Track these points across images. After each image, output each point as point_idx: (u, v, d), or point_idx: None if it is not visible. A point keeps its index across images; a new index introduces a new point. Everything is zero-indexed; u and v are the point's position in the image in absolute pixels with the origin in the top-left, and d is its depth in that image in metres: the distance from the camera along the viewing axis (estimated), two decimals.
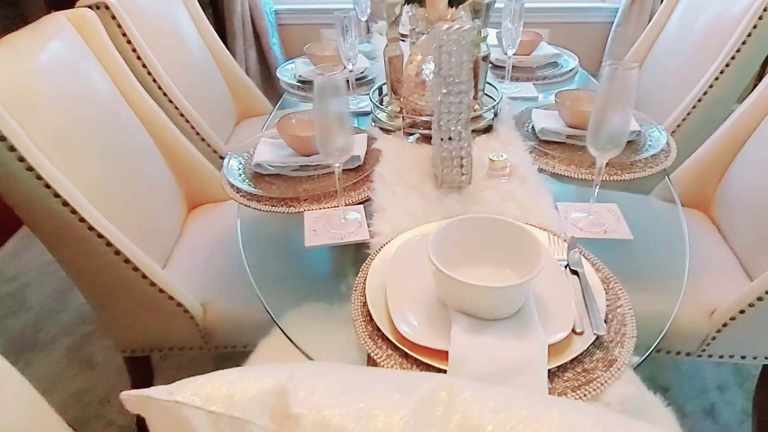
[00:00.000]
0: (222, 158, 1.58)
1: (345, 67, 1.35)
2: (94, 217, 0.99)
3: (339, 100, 0.80)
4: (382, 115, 1.24)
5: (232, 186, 1.05)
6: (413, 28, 1.13)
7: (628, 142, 1.13)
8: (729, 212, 1.27)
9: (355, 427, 0.35)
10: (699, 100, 1.47)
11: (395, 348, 0.68)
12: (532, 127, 1.20)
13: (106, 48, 1.30)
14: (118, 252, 1.02)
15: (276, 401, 0.37)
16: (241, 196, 1.02)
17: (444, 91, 0.91)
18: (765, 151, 1.19)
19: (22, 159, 0.90)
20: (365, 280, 0.78)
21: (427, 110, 1.12)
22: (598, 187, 0.91)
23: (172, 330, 1.16)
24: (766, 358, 1.10)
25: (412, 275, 0.76)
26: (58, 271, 1.64)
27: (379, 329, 0.70)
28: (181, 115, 1.53)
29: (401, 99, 1.16)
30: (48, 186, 0.93)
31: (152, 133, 1.37)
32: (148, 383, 1.12)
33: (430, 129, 1.13)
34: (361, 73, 1.55)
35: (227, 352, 1.21)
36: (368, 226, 0.93)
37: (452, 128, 0.94)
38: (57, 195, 0.94)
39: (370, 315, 0.72)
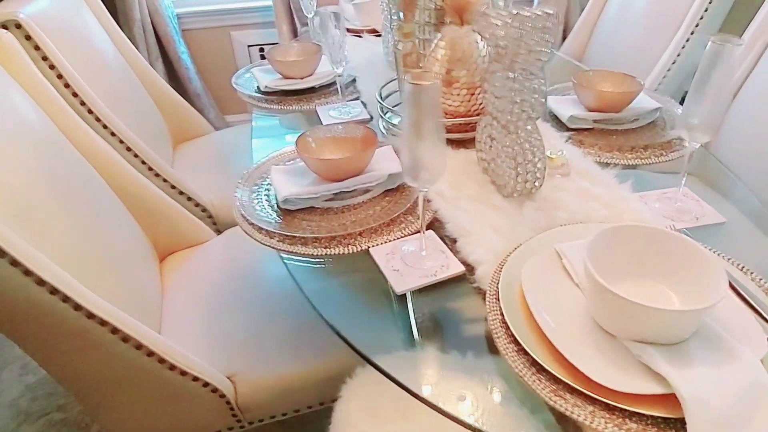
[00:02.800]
0: (190, 199, 1.34)
1: (335, 72, 1.18)
2: (90, 300, 0.75)
3: (436, 113, 0.65)
4: (395, 122, 1.09)
5: (263, 230, 0.85)
6: (433, 22, 1.00)
7: (651, 122, 1.11)
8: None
9: None
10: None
11: (579, 394, 0.56)
12: (553, 116, 1.13)
13: (31, 75, 1.01)
14: (126, 338, 0.79)
15: None
16: (280, 241, 0.83)
17: (518, 87, 0.79)
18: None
19: None
20: (503, 320, 0.65)
21: (458, 111, 1.00)
22: (685, 173, 0.85)
23: (197, 416, 0.94)
24: None
25: (560, 303, 0.65)
26: None
27: (558, 379, 0.58)
28: (128, 149, 1.26)
29: None
30: (28, 273, 0.69)
31: (102, 172, 1.11)
32: None
33: (462, 132, 1.02)
34: (333, 77, 1.38)
35: (262, 426, 1.01)
36: (455, 253, 0.79)
37: (527, 128, 0.83)
38: (41, 282, 0.70)
39: (535, 362, 0.60)
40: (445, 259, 0.79)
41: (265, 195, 0.95)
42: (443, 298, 0.75)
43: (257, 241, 0.85)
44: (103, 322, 0.76)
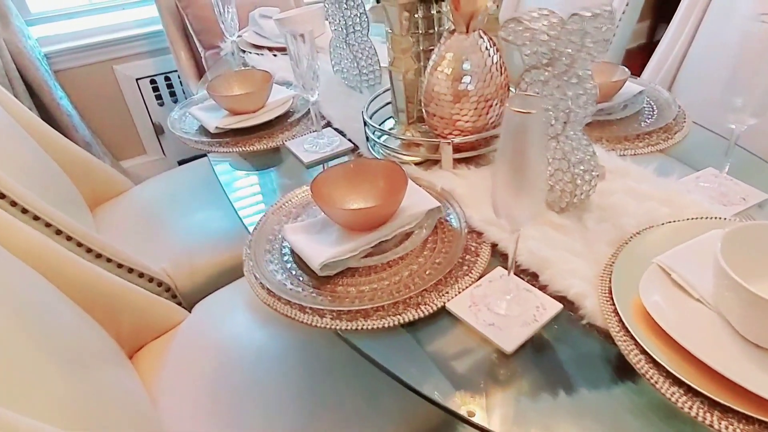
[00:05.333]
0: (142, 275, 1.11)
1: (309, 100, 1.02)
2: None
3: (541, 144, 0.55)
4: (394, 146, 0.97)
5: (308, 309, 0.69)
6: (441, 29, 0.89)
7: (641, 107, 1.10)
8: None
9: None
10: None
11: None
12: None
13: None
14: None
15: None
16: (334, 319, 0.68)
17: (571, 94, 0.71)
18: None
19: None
20: (648, 357, 0.57)
21: (473, 127, 0.90)
22: (729, 158, 0.83)
23: None
24: None
25: (694, 324, 0.59)
26: None
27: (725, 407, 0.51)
28: (59, 232, 1.00)
29: (432, 118, 0.92)
30: None
31: (37, 265, 0.86)
32: None
33: (475, 149, 0.93)
34: (287, 106, 1.21)
35: None
36: (541, 289, 0.70)
37: (576, 134, 0.76)
38: None
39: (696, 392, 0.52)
40: (536, 299, 0.69)
41: (284, 261, 0.78)
42: (559, 344, 0.65)
43: (305, 323, 0.68)
44: None
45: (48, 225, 0.98)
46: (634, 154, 0.96)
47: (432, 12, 0.92)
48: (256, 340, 1.02)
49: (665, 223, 0.77)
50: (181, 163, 2.47)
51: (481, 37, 0.85)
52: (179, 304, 1.21)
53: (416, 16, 0.90)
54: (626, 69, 1.08)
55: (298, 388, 0.90)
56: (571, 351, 0.64)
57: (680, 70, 1.41)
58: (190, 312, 1.14)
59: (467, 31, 0.85)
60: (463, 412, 0.58)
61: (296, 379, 0.91)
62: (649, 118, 1.06)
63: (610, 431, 0.55)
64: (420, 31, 0.93)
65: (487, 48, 0.85)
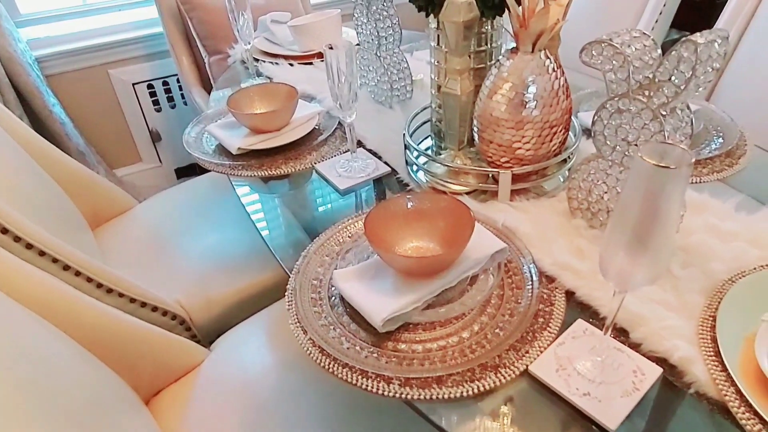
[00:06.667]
0: (156, 309, 1.01)
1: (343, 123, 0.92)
2: None
3: (679, 203, 0.47)
4: (440, 172, 0.88)
5: (371, 375, 0.60)
6: (493, 46, 0.80)
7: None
8: None
9: None
10: None
11: None
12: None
13: None
14: None
15: None
16: (403, 386, 0.59)
17: (668, 129, 0.63)
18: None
19: None
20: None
21: (534, 156, 0.82)
22: None
23: None
24: None
25: None
26: None
27: None
28: (66, 267, 0.90)
29: (488, 145, 0.83)
30: None
31: (45, 312, 0.75)
32: None
33: (530, 180, 0.85)
34: (314, 124, 1.11)
35: None
36: (634, 348, 0.61)
37: None
38: None
39: None
40: (630, 361, 0.61)
41: (337, 314, 0.69)
42: (661, 414, 0.57)
43: (371, 392, 0.59)
44: None
45: (55, 261, 0.88)
46: (700, 182, 0.89)
47: (486, 29, 0.83)
48: (283, 381, 0.92)
49: (758, 267, 0.69)
50: (178, 171, 2.36)
51: (548, 57, 0.77)
52: (195, 338, 1.11)
53: (472, 32, 0.81)
54: None
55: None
56: (679, 426, 0.56)
57: (717, 87, 1.34)
58: (208, 347, 1.05)
59: (533, 51, 0.76)
60: None
61: (327, 426, 0.82)
62: (707, 141, 0.99)
63: None
64: (472, 49, 0.84)
65: (554, 69, 0.77)
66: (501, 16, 0.81)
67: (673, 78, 0.60)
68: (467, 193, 0.87)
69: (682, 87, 0.59)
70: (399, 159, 0.97)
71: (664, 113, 0.65)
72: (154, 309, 1.03)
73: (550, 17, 0.72)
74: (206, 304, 1.13)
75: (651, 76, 0.61)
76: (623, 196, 0.47)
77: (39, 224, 0.89)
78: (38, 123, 1.80)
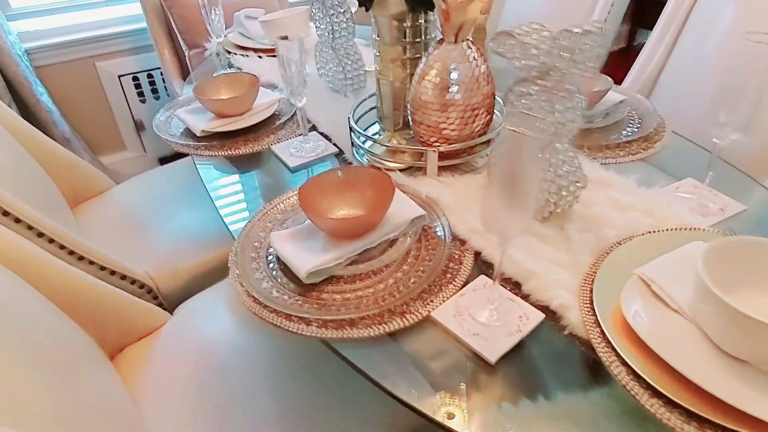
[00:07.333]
0: (125, 277, 1.10)
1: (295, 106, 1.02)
2: None
3: (535, 163, 0.56)
4: (379, 152, 0.98)
5: (294, 317, 0.70)
6: (427, 38, 0.90)
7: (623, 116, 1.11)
8: None
9: None
10: None
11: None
12: None
13: None
14: None
15: None
16: (320, 327, 0.68)
17: (560, 108, 0.73)
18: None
19: None
20: (628, 369, 0.58)
21: (459, 136, 0.91)
22: (710, 170, 0.85)
23: None
24: None
25: (672, 334, 0.61)
26: None
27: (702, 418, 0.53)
28: (40, 234, 0.99)
29: (418, 126, 0.92)
30: None
31: (19, 270, 0.84)
32: None
33: (459, 157, 0.94)
34: (273, 109, 1.21)
35: None
36: (524, 298, 0.71)
37: (562, 146, 0.77)
38: None
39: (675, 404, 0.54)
40: (519, 308, 0.70)
41: (270, 269, 0.78)
42: (540, 352, 0.66)
43: (291, 332, 0.69)
44: None
45: (30, 228, 0.97)
46: (616, 163, 0.98)
47: (419, 21, 0.92)
48: (238, 342, 1.02)
49: (645, 233, 0.78)
50: (162, 160, 2.45)
51: (470, 47, 0.86)
52: (161, 305, 1.20)
53: (405, 25, 0.90)
54: (609, 79, 1.10)
55: (279, 391, 0.90)
56: (553, 360, 0.65)
57: (659, 78, 1.44)
58: (172, 314, 1.14)
59: (456, 41, 0.85)
60: (442, 414, 0.59)
61: (278, 382, 0.92)
62: (629, 127, 1.08)
63: None
64: (407, 40, 0.94)
65: (474, 58, 0.86)
66: (432, 10, 0.90)
67: (559, 64, 0.69)
68: (402, 170, 0.96)
69: (564, 71, 0.69)
70: (347, 141, 1.07)
71: (562, 95, 0.74)
72: (123, 277, 1.12)
73: (469, 11, 0.82)
74: (173, 275, 1.22)
75: (544, 61, 0.70)
76: (494, 157, 0.56)
77: (19, 199, 0.99)
78: (26, 110, 1.89)
